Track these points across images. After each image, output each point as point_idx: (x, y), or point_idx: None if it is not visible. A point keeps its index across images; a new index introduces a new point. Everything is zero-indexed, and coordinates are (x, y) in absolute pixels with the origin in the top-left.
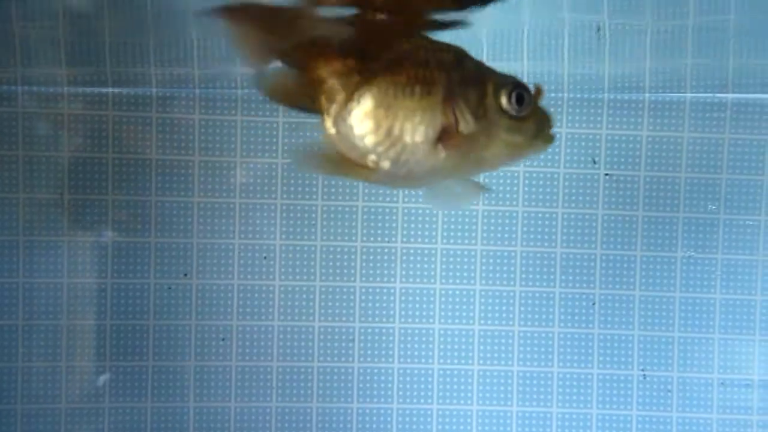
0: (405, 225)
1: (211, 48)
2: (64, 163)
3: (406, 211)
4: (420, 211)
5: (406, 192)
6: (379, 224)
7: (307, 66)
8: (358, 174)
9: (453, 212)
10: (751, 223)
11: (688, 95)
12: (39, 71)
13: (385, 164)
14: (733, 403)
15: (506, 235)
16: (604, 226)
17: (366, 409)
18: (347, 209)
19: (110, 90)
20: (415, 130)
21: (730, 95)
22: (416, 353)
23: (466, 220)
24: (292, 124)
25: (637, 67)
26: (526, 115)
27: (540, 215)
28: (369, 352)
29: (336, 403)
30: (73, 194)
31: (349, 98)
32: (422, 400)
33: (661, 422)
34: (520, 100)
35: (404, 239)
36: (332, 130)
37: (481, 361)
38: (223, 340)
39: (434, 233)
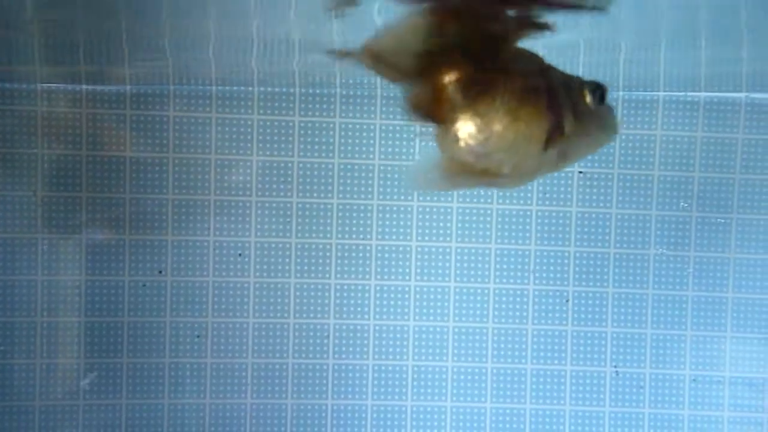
0: (380, 222)
1: (184, 43)
2: (37, 161)
3: (380, 208)
4: (395, 208)
5: (381, 189)
6: (354, 221)
7: (432, 78)
8: (476, 183)
9: (427, 210)
10: (722, 220)
11: (661, 94)
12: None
13: (506, 169)
14: (704, 399)
15: (481, 233)
16: (577, 223)
17: (341, 405)
18: (322, 206)
19: (84, 87)
20: (532, 134)
21: (703, 94)
22: (391, 350)
23: (441, 217)
24: (266, 122)
25: (613, 66)
26: (604, 110)
27: (514, 213)
28: (344, 348)
29: (311, 399)
30: (47, 192)
31: (472, 109)
32: (397, 397)
33: (633, 418)
34: (602, 98)
35: (379, 236)
36: (458, 143)
37: (455, 358)
38: (198, 337)
39: (409, 230)
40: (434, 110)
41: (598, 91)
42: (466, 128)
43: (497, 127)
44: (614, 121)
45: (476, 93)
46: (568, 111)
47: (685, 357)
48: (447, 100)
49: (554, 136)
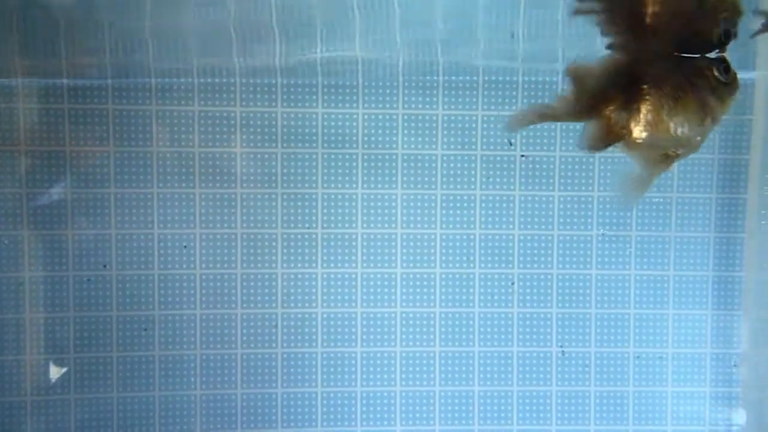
0: (325, 210)
1: (122, 39)
2: None
3: (325, 196)
4: (339, 197)
5: (325, 178)
6: (299, 210)
7: (597, 113)
8: (661, 170)
9: (372, 197)
10: (662, 200)
11: None
12: None
13: (682, 151)
14: (648, 375)
15: (426, 218)
16: (521, 206)
17: (290, 394)
18: (267, 196)
19: (20, 81)
20: (692, 118)
21: None
22: (339, 337)
23: (386, 204)
24: (207, 113)
25: (550, 50)
26: (730, 80)
27: (458, 197)
28: (292, 337)
29: (260, 389)
30: None
31: (640, 119)
32: (346, 384)
33: (579, 396)
34: (726, 69)
35: (324, 225)
36: (638, 148)
37: (403, 343)
38: (145, 330)
39: (354, 218)
40: (611, 139)
41: (723, 64)
42: (643, 135)
43: (664, 125)
44: (737, 82)
45: (638, 108)
46: (708, 89)
47: (629, 335)
48: (620, 127)
49: (706, 112)
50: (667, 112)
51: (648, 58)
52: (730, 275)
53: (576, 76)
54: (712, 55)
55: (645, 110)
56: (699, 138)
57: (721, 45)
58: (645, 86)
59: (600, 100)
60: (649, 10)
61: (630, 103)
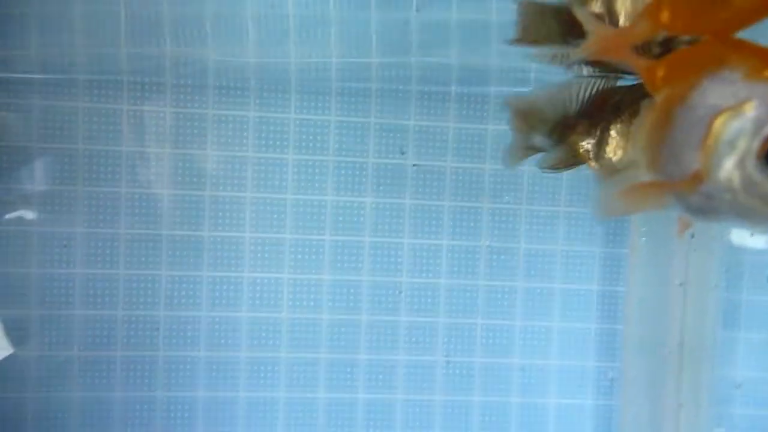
0: (212, 214)
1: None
2: None
3: (213, 200)
4: (228, 200)
5: (213, 181)
6: (186, 213)
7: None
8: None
9: (261, 202)
10: (550, 213)
11: (492, 89)
12: None
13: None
14: (531, 387)
15: (316, 224)
16: (411, 215)
17: (171, 397)
18: (152, 197)
19: None
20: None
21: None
22: (223, 341)
23: (275, 209)
24: (137, 112)
25: (444, 60)
26: None
27: (349, 204)
28: (174, 341)
29: (140, 392)
30: None
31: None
32: (229, 389)
33: (464, 406)
34: None
35: (211, 228)
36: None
37: (289, 349)
38: (19, 330)
39: (242, 222)
40: (575, 162)
41: None
42: (606, 159)
43: (626, 149)
44: None
45: (601, 133)
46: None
47: (514, 346)
48: (584, 151)
49: None
50: (629, 137)
51: (610, 85)
52: (614, 289)
53: (515, 107)
54: None
55: (608, 136)
56: None
57: None
58: (608, 113)
59: (564, 127)
60: None
61: (593, 128)
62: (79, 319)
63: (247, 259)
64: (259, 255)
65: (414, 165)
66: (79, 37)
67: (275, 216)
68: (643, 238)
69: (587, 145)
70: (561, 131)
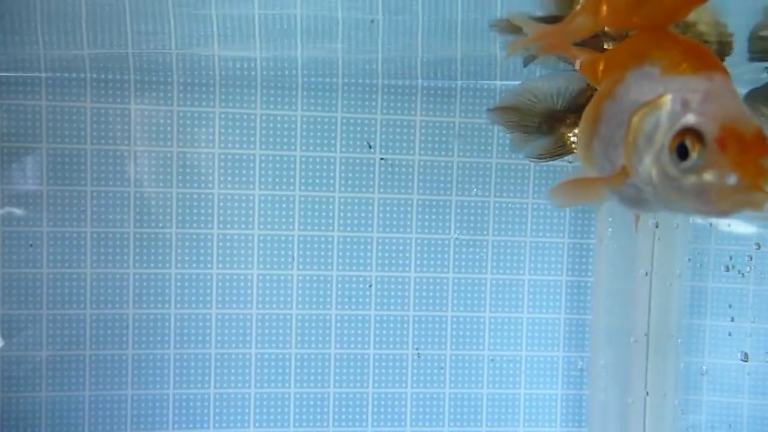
0: (180, 211)
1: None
2: None
3: (180, 196)
4: (195, 197)
5: (180, 178)
6: (153, 210)
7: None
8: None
9: (228, 198)
10: (518, 205)
11: (459, 82)
12: None
13: None
14: (502, 378)
15: (284, 219)
16: (380, 209)
17: (141, 395)
18: (119, 195)
19: None
20: None
21: (498, 82)
22: (193, 339)
23: (243, 205)
24: (100, 110)
25: (410, 54)
26: None
27: (317, 199)
28: (143, 339)
29: (110, 391)
30: None
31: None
32: (199, 385)
33: (434, 398)
34: None
35: (179, 225)
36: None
37: (258, 345)
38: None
39: (210, 219)
40: (562, 152)
41: None
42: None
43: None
44: None
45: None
46: None
47: (484, 338)
48: (570, 143)
49: None
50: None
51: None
52: (582, 280)
53: (499, 112)
54: None
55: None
56: None
57: None
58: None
59: (553, 119)
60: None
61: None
62: (47, 319)
63: (215, 256)
64: (227, 251)
65: (382, 159)
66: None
67: (243, 212)
68: (610, 229)
69: (574, 136)
70: (550, 123)
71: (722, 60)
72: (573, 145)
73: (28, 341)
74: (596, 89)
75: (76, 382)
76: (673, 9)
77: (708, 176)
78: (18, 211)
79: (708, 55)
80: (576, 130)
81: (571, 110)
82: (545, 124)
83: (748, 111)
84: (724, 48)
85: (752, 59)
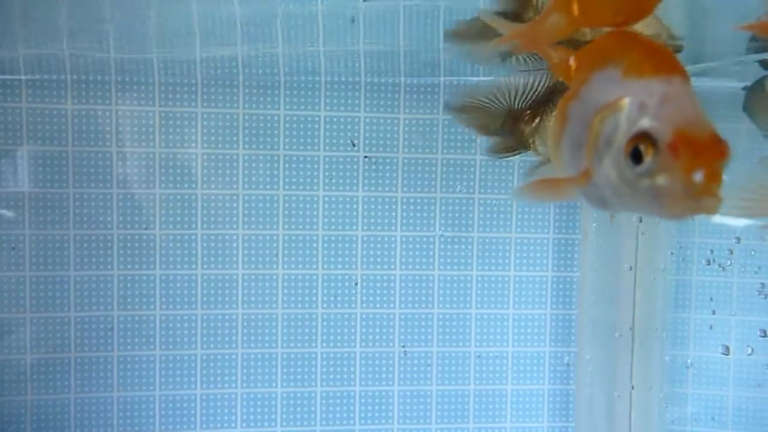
0: (163, 212)
1: None
2: None
3: (163, 197)
4: (179, 197)
5: (163, 179)
6: (136, 211)
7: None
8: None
9: (212, 198)
10: (502, 201)
11: (442, 79)
12: None
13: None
14: (489, 374)
15: (268, 219)
16: (364, 207)
17: (127, 397)
18: (101, 196)
19: None
20: None
21: (480, 79)
22: (179, 339)
23: (227, 205)
24: (81, 111)
25: (393, 52)
26: None
27: (301, 198)
28: (128, 340)
29: (95, 393)
30: None
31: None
32: (186, 386)
33: (421, 395)
34: None
35: (163, 226)
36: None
37: (244, 345)
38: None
39: (194, 219)
40: (520, 148)
41: None
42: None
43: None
44: None
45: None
46: None
47: (470, 334)
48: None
49: None
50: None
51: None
52: (568, 275)
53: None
54: None
55: (544, 125)
56: None
57: None
58: (547, 102)
59: (513, 118)
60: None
61: (536, 118)
62: (31, 322)
63: (200, 256)
64: (212, 251)
65: (365, 157)
66: None
67: (227, 212)
68: (594, 224)
69: (532, 134)
70: (511, 122)
71: None
72: (531, 143)
73: (12, 345)
74: (556, 87)
75: (61, 385)
76: (637, 5)
77: (661, 181)
78: (1, 213)
79: (668, 57)
80: (533, 127)
81: (531, 108)
82: (507, 123)
83: (704, 115)
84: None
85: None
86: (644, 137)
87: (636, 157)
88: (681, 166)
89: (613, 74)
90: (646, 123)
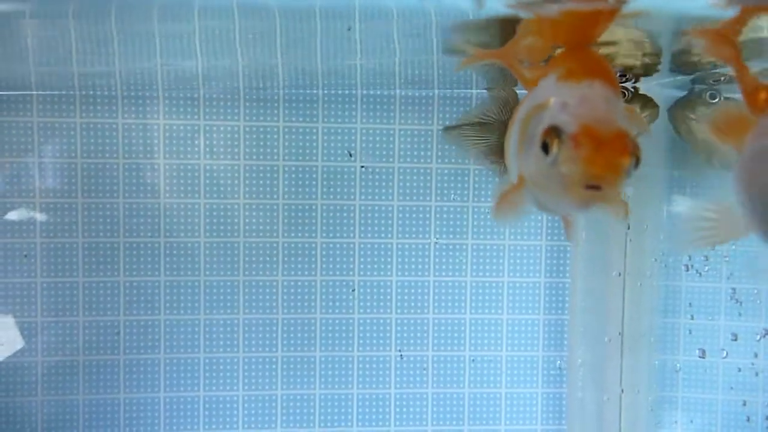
0: (167, 221)
1: None
2: None
3: (168, 206)
4: (182, 207)
5: (167, 188)
6: (142, 220)
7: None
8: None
9: (215, 207)
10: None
11: (436, 91)
12: None
13: None
14: (483, 378)
15: (267, 227)
16: (361, 216)
17: (133, 399)
18: (108, 206)
19: None
20: None
21: (474, 91)
22: (182, 343)
23: (228, 213)
24: (89, 124)
25: (388, 66)
26: None
27: (300, 207)
28: (134, 344)
29: (103, 395)
30: None
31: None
32: (189, 389)
33: (417, 398)
34: None
35: (167, 234)
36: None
37: (246, 349)
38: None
39: (197, 228)
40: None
41: None
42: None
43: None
44: None
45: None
46: None
47: (465, 339)
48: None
49: None
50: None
51: None
52: (560, 281)
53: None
54: None
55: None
56: None
57: None
58: None
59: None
60: None
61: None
62: (42, 326)
63: (203, 264)
64: (214, 259)
65: (362, 166)
66: None
67: (228, 221)
68: (584, 231)
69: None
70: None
71: (650, 76)
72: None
73: (24, 348)
74: None
75: (70, 387)
76: (585, 30)
77: (563, 169)
78: (13, 223)
79: (601, 67)
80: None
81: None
82: (501, 136)
83: (617, 117)
84: (648, 68)
85: (674, 72)
86: (554, 130)
87: (546, 147)
88: (580, 155)
89: (552, 80)
90: (557, 117)
